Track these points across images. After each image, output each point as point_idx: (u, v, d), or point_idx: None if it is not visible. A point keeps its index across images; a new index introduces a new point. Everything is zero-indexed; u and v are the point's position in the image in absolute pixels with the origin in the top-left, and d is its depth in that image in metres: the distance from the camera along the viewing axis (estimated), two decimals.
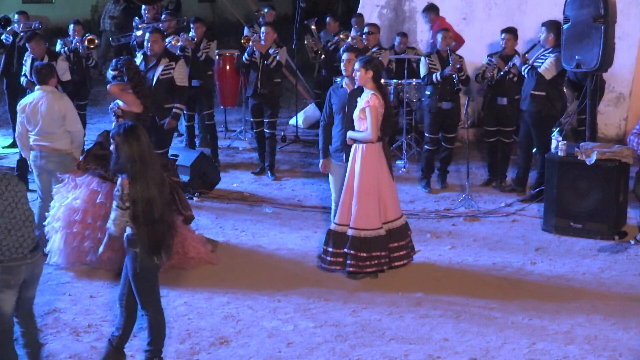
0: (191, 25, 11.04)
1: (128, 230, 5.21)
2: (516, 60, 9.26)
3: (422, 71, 9.76)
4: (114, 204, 5.19)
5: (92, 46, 10.88)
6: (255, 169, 10.74)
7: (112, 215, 5.20)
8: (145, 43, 9.32)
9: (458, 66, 9.48)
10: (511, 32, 9.59)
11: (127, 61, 7.57)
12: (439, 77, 9.53)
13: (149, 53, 9.13)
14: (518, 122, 9.66)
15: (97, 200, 7.14)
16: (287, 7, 25.97)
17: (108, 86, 7.49)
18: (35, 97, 7.78)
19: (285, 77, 12.87)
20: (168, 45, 10.97)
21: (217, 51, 11.69)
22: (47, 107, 7.61)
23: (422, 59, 9.85)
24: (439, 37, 9.79)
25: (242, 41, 10.55)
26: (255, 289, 6.86)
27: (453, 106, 9.69)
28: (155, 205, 5.13)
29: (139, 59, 9.27)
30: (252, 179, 10.43)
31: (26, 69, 9.97)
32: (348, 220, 7.05)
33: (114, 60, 7.73)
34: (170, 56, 9.27)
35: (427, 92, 9.74)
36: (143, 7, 12.68)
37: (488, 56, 9.76)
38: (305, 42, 12.94)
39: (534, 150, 9.69)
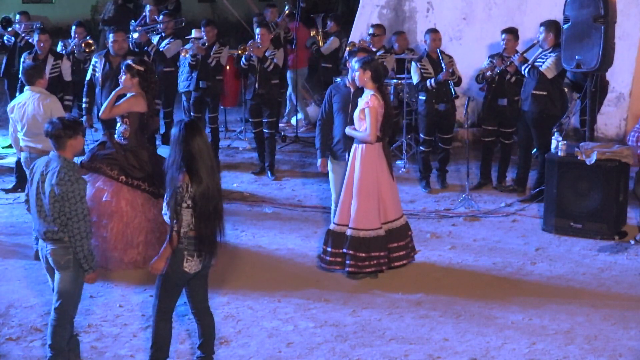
0: (202, 29, 10.97)
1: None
2: (514, 59, 9.24)
3: (415, 78, 9.70)
4: (172, 202, 5.01)
5: (88, 50, 10.86)
6: (255, 169, 10.74)
7: (178, 215, 5.00)
8: (109, 43, 9.31)
9: (451, 70, 9.45)
10: (512, 33, 9.56)
11: (151, 65, 7.64)
12: (433, 84, 9.49)
13: (112, 53, 9.11)
14: (516, 124, 9.66)
15: (103, 199, 7.15)
16: (284, 6, 25.92)
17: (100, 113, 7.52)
18: (23, 97, 7.78)
19: (285, 78, 12.87)
20: (162, 48, 11.01)
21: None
22: (33, 108, 7.59)
23: (413, 64, 9.76)
24: (428, 38, 9.71)
25: (239, 51, 10.48)
26: (255, 289, 6.86)
27: (448, 107, 9.67)
28: (210, 200, 5.03)
29: (100, 61, 9.26)
30: (252, 179, 10.43)
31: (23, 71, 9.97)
32: (347, 220, 7.05)
33: (137, 59, 7.71)
34: (134, 54, 9.24)
35: (422, 98, 9.69)
36: (147, 7, 12.70)
37: (489, 57, 9.74)
38: (311, 33, 12.94)
39: (534, 151, 9.69)
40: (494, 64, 9.46)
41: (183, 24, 12.12)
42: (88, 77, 9.57)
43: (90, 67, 9.58)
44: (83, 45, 10.82)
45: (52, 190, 5.10)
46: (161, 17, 11.95)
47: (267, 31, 10.44)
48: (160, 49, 11.13)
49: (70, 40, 11.17)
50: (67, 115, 6.14)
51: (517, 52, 9.46)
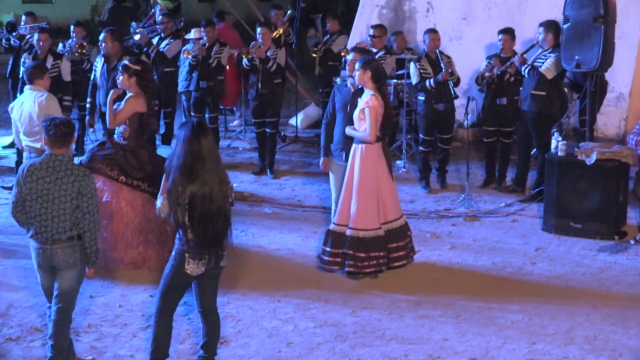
0: (202, 29, 10.98)
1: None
2: (515, 60, 9.25)
3: (414, 78, 9.70)
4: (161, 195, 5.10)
5: (80, 51, 10.79)
6: (255, 169, 10.74)
7: (158, 203, 5.12)
8: (100, 44, 9.31)
9: (450, 70, 9.46)
10: (508, 33, 9.57)
11: (148, 64, 7.60)
12: (432, 84, 9.49)
13: (102, 52, 9.10)
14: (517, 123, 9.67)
15: (103, 199, 7.12)
16: (286, 8, 25.94)
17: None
18: (23, 97, 7.78)
19: (286, 77, 12.87)
20: (162, 48, 11.02)
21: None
22: (30, 107, 7.58)
23: (412, 64, 9.76)
24: (427, 39, 9.70)
25: (243, 55, 10.46)
26: (255, 289, 6.86)
27: (447, 107, 9.66)
28: (212, 203, 5.01)
29: (100, 62, 9.24)
30: (252, 179, 10.42)
31: (24, 69, 9.94)
32: (347, 220, 7.04)
33: (134, 58, 7.67)
34: (130, 54, 9.24)
35: (421, 98, 9.68)
36: (158, 6, 12.70)
37: (487, 58, 9.75)
38: (308, 33, 12.95)
39: (533, 151, 9.69)
40: (493, 65, 9.47)
41: (182, 24, 12.13)
42: (92, 76, 9.55)
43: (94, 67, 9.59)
44: (76, 46, 10.78)
45: (70, 188, 5.14)
46: (160, 17, 11.95)
47: (268, 30, 10.43)
48: (161, 50, 11.14)
49: (70, 41, 11.16)
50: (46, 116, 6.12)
51: (515, 53, 9.47)
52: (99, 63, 9.29)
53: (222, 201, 5.09)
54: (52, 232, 5.20)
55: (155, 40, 11.30)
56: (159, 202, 5.14)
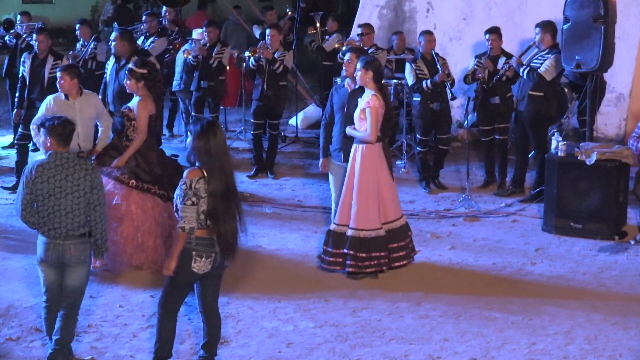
0: (204, 29, 10.99)
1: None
2: (512, 62, 9.25)
3: (410, 79, 9.71)
4: (179, 200, 5.06)
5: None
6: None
7: (182, 212, 5.06)
8: (110, 44, 9.32)
9: (447, 72, 9.47)
10: (496, 32, 9.60)
11: (154, 64, 7.58)
12: (429, 85, 9.50)
13: (113, 52, 9.12)
14: (511, 119, 9.67)
15: (113, 202, 7.07)
16: (287, 8, 25.93)
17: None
18: None
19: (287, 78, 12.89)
20: (147, 47, 11.02)
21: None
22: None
23: (407, 65, 9.78)
24: (422, 40, 9.73)
25: (249, 54, 10.46)
26: (255, 289, 6.86)
27: (443, 106, 9.68)
28: (222, 200, 5.06)
29: (111, 61, 9.24)
30: (252, 179, 10.42)
31: (24, 69, 9.91)
32: (348, 220, 7.05)
33: (140, 59, 7.63)
34: (139, 53, 9.24)
35: (417, 99, 9.70)
36: (164, 8, 12.71)
37: (475, 57, 9.78)
38: (308, 31, 12.97)
39: (531, 154, 9.69)
40: (485, 66, 9.49)
41: (166, 22, 12.15)
42: (105, 75, 9.56)
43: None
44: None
45: (83, 182, 5.23)
46: (144, 17, 11.96)
47: (278, 32, 10.40)
48: (146, 48, 11.12)
49: (80, 44, 11.17)
50: (46, 116, 6.13)
51: (503, 51, 9.48)
52: (110, 62, 9.32)
53: (232, 199, 5.13)
54: (67, 229, 5.24)
55: (140, 41, 11.30)
56: (183, 213, 5.05)
